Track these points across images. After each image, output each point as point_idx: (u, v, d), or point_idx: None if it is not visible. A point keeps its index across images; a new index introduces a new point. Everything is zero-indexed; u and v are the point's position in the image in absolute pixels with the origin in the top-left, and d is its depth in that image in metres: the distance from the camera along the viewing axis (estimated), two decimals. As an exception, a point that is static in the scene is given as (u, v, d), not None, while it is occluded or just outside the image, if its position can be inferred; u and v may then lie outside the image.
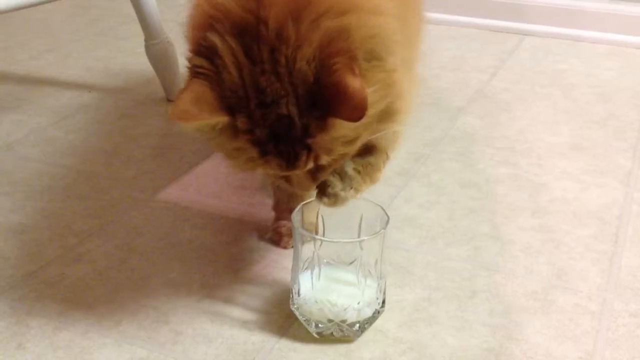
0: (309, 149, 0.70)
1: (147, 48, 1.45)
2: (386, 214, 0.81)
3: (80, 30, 1.99)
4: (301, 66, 0.67)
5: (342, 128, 0.69)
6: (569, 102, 1.48)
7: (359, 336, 0.82)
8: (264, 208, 1.06)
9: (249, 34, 0.68)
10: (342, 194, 0.80)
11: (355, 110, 0.65)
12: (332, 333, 0.81)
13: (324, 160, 0.72)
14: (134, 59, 1.72)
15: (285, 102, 0.68)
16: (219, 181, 1.16)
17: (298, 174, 0.74)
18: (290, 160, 0.71)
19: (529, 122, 1.39)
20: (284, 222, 0.99)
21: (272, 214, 1.02)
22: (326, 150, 0.71)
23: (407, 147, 1.27)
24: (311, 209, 0.84)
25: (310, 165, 0.72)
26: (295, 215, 0.81)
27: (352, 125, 0.69)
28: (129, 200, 1.12)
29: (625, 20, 1.83)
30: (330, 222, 0.85)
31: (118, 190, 1.15)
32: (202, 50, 0.70)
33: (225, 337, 0.83)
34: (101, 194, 1.14)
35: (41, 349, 0.81)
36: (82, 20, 2.09)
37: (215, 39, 0.69)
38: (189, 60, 0.72)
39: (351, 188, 0.81)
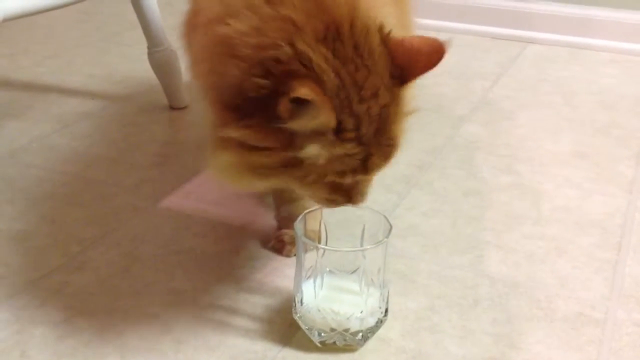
0: (397, 138, 0.74)
1: (150, 55, 1.45)
2: (389, 222, 0.81)
3: (84, 37, 2.00)
4: (380, 51, 0.71)
5: (407, 100, 0.74)
6: (572, 110, 1.48)
7: (361, 345, 0.82)
8: (266, 216, 1.06)
9: (331, 36, 0.70)
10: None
11: (435, 54, 0.71)
12: (334, 342, 0.81)
13: (398, 151, 0.75)
14: (137, 66, 1.72)
15: (383, 92, 0.71)
16: (221, 189, 1.16)
17: (370, 178, 0.77)
18: (386, 155, 0.74)
19: (532, 129, 1.39)
20: (286, 231, 0.99)
21: (275, 222, 1.02)
22: (399, 140, 0.75)
23: (409, 155, 1.28)
24: (314, 218, 0.85)
25: (394, 158, 0.75)
26: (298, 224, 0.81)
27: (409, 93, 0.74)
28: (131, 208, 1.12)
29: (628, 28, 1.83)
30: (333, 231, 0.85)
31: (121, 198, 1.15)
32: (284, 61, 0.69)
33: (228, 346, 0.83)
34: (104, 201, 1.14)
35: (44, 357, 0.81)
36: (86, 27, 2.10)
37: (302, 47, 0.69)
38: (251, 79, 0.70)
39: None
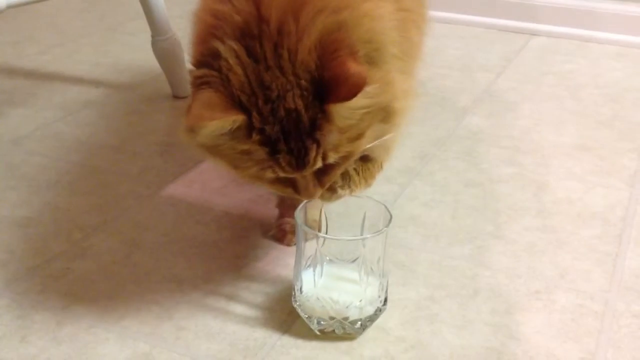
0: (317, 144, 0.71)
1: (154, 44, 1.45)
2: (389, 212, 0.81)
3: (88, 26, 2.00)
4: (303, 57, 0.69)
5: (345, 118, 0.70)
6: (576, 103, 1.48)
7: (360, 334, 0.83)
8: (267, 205, 1.06)
9: (250, 34, 0.70)
10: (340, 190, 0.81)
11: (353, 87, 0.67)
12: (333, 330, 0.82)
13: (332, 157, 0.72)
14: (141, 55, 1.72)
15: (292, 96, 0.69)
16: (223, 178, 1.17)
17: (305, 176, 0.74)
18: (300, 157, 0.71)
19: (535, 122, 1.39)
20: (287, 220, 0.99)
21: (276, 211, 1.02)
22: (333, 146, 0.71)
23: (412, 146, 1.28)
24: (314, 207, 0.85)
25: (319, 164, 0.72)
26: (299, 213, 0.82)
27: (355, 115, 0.70)
28: (134, 195, 1.12)
29: (634, 21, 1.82)
30: (333, 220, 0.86)
31: (123, 186, 1.15)
32: (203, 60, 0.71)
33: (228, 333, 0.84)
34: (106, 189, 1.14)
35: (45, 342, 0.82)
36: (90, 15, 2.10)
37: (217, 44, 0.70)
38: (190, 74, 0.73)
39: (348, 187, 0.82)
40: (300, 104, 0.69)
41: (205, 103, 0.69)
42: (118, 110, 1.45)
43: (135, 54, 1.75)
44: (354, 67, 0.67)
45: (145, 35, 1.49)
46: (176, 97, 1.49)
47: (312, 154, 0.71)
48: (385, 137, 0.76)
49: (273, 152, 0.71)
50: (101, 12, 2.13)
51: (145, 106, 1.46)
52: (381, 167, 0.89)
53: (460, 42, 1.84)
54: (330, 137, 0.71)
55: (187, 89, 1.47)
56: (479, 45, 1.83)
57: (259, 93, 0.69)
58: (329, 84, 0.68)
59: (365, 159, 0.85)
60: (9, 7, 1.10)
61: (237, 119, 0.69)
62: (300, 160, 0.71)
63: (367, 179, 0.86)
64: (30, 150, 1.27)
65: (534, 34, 1.90)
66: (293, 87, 0.69)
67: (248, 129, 0.70)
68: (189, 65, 0.76)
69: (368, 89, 0.68)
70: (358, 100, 0.68)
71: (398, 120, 0.75)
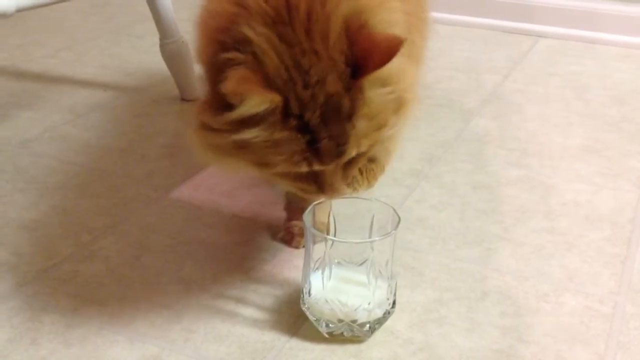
0: (355, 130, 0.71)
1: (162, 47, 1.46)
2: (397, 214, 0.81)
3: (96, 29, 2.01)
4: (334, 40, 0.70)
5: (376, 103, 0.71)
6: (583, 104, 1.48)
7: (369, 336, 0.83)
8: (275, 208, 1.06)
9: (281, 21, 0.70)
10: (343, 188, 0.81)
11: (388, 50, 0.67)
12: (342, 333, 0.82)
13: (364, 145, 0.73)
14: (149, 58, 1.73)
15: (331, 80, 0.69)
16: (231, 180, 1.17)
17: (332, 170, 0.74)
18: (339, 145, 0.71)
19: (542, 124, 1.39)
20: (295, 222, 1.00)
21: (284, 213, 1.02)
22: (364, 134, 0.72)
23: (419, 148, 1.28)
24: (323, 209, 0.85)
25: (354, 152, 0.72)
26: (307, 215, 0.82)
27: (384, 98, 0.71)
28: (142, 198, 1.13)
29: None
30: (341, 223, 0.86)
31: (131, 189, 1.15)
32: (228, 47, 0.70)
33: (237, 336, 0.84)
34: (114, 192, 1.15)
35: (54, 345, 0.82)
36: (98, 18, 2.11)
37: (245, 30, 0.70)
38: (213, 60, 0.72)
39: (352, 186, 0.84)
40: (340, 87, 0.69)
41: (242, 78, 0.67)
42: (126, 113, 1.45)
43: (143, 57, 1.76)
44: (382, 35, 0.69)
45: (153, 38, 1.50)
46: (184, 99, 1.50)
47: (351, 140, 0.71)
48: (394, 129, 0.76)
49: (313, 142, 0.71)
50: (109, 15, 2.13)
51: (152, 109, 1.47)
52: (383, 169, 0.89)
53: (466, 44, 1.84)
54: (363, 123, 0.71)
55: (195, 91, 1.49)
56: (486, 47, 1.82)
57: (297, 78, 0.69)
58: (361, 56, 0.69)
59: (369, 159, 0.85)
60: (18, 10, 1.10)
61: (274, 98, 0.68)
62: (338, 148, 0.72)
63: (370, 180, 0.88)
64: (38, 153, 1.28)
65: (540, 35, 1.90)
66: (331, 70, 0.69)
67: (283, 114, 0.70)
68: (196, 67, 0.76)
69: (396, 58, 0.68)
70: (389, 70, 0.69)
71: (407, 112, 0.76)
